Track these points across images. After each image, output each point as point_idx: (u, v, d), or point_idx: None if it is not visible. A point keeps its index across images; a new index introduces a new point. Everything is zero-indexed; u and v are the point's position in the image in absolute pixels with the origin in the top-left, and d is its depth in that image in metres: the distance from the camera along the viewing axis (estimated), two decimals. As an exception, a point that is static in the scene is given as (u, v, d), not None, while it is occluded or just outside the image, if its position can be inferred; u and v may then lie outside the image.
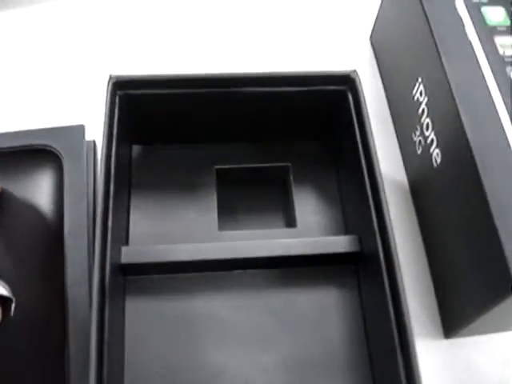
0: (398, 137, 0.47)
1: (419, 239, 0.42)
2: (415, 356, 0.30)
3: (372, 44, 0.52)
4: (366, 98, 0.37)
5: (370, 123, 0.36)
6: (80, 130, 0.41)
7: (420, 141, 0.41)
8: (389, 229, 0.33)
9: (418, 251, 0.42)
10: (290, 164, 0.41)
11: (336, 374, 0.35)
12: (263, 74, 0.38)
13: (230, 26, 0.52)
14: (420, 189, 0.43)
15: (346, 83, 0.38)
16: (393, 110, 0.48)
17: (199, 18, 0.53)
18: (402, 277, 0.32)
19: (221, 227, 0.39)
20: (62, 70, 0.49)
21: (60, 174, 0.39)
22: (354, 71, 0.37)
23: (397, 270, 0.32)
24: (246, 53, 0.51)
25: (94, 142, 0.43)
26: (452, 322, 0.38)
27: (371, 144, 0.35)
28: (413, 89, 0.42)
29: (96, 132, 0.43)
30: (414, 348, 0.30)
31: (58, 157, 0.40)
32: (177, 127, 0.41)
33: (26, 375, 0.33)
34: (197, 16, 0.53)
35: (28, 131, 0.41)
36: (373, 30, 0.52)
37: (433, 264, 0.41)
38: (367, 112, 0.37)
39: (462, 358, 0.39)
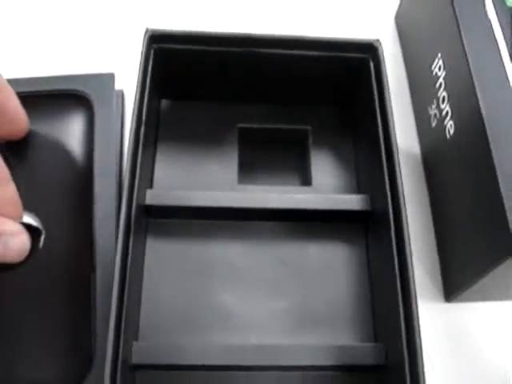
0: (414, 110, 0.49)
1: (427, 208, 0.44)
2: (417, 314, 0.32)
3: (396, 23, 0.54)
4: (387, 73, 0.39)
5: (389, 92, 0.38)
6: (110, 77, 0.43)
7: (435, 114, 0.43)
8: (399, 190, 0.35)
9: (426, 218, 0.44)
10: (309, 127, 0.43)
11: (339, 326, 0.37)
12: (288, 36, 0.40)
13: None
14: (432, 160, 0.45)
15: (369, 52, 0.40)
16: (411, 85, 0.50)
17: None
18: (409, 237, 0.34)
19: (240, 181, 0.41)
20: (98, 19, 0.52)
21: (90, 118, 0.41)
22: (378, 40, 0.39)
23: (405, 229, 0.34)
24: (275, 16, 0.53)
25: (122, 91, 0.45)
26: (453, 286, 0.40)
27: (389, 110, 0.37)
28: (432, 63, 0.44)
29: (125, 82, 0.45)
30: (415, 307, 0.32)
31: (88, 101, 0.42)
32: (205, 85, 0.43)
33: (56, 301, 0.36)
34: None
35: (60, 76, 0.43)
36: (398, 9, 0.53)
37: (439, 229, 0.43)
38: (387, 81, 0.38)
39: (459, 321, 0.41)
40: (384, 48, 0.40)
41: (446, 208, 0.42)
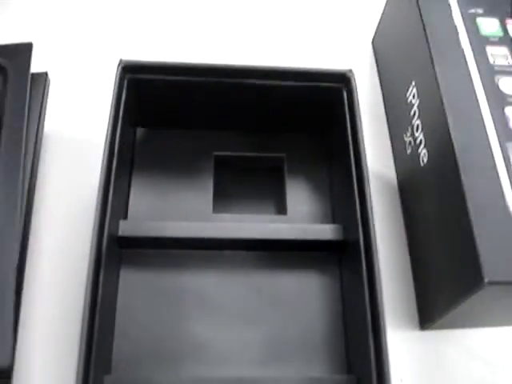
0: (391, 137, 0.49)
1: (403, 234, 0.44)
2: (385, 343, 0.32)
3: (373, 47, 0.54)
4: (364, 99, 0.40)
5: (361, 121, 0.38)
6: (28, 48, 0.42)
7: (410, 141, 0.43)
8: (370, 219, 0.35)
9: (401, 246, 0.44)
10: (284, 155, 0.44)
11: (313, 355, 0.37)
12: (264, 67, 0.40)
13: (236, 20, 0.55)
14: (407, 186, 0.45)
15: (342, 81, 0.40)
16: (388, 112, 0.50)
17: (207, 10, 0.55)
18: (379, 266, 0.34)
19: (215, 210, 0.41)
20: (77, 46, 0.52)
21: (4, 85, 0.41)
22: (350, 70, 0.40)
23: (375, 259, 0.34)
24: (251, 47, 0.53)
25: (46, 73, 0.44)
26: (427, 314, 0.40)
27: (360, 140, 0.37)
28: (407, 91, 0.44)
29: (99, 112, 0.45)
30: (384, 335, 0.32)
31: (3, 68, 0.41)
32: (180, 113, 0.43)
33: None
34: (205, 8, 0.55)
35: None
36: (375, 34, 0.54)
37: (413, 257, 0.43)
38: (359, 111, 0.39)
39: (434, 349, 0.40)
40: (361, 72, 0.40)
41: (421, 235, 0.42)
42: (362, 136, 0.37)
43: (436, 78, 0.39)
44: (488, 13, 0.43)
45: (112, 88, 0.38)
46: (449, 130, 0.36)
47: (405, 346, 0.40)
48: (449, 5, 0.42)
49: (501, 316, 0.40)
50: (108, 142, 0.36)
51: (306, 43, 0.54)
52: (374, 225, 0.35)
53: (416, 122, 0.42)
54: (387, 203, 0.45)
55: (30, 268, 0.41)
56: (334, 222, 0.41)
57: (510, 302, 0.36)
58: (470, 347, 0.41)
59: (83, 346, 0.31)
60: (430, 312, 0.40)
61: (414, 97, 0.43)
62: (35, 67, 0.43)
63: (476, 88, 0.38)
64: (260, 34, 0.54)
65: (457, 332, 0.41)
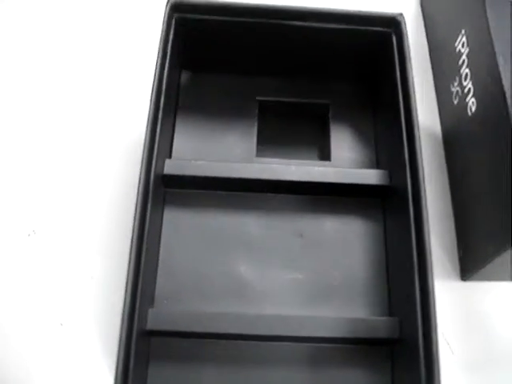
0: (436, 88, 0.48)
1: (447, 186, 0.44)
2: (432, 289, 0.32)
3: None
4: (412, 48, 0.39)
5: (411, 67, 0.38)
6: None
7: (457, 91, 0.43)
8: (420, 165, 0.35)
9: (445, 197, 0.44)
10: (329, 101, 0.43)
11: (355, 298, 0.38)
12: (310, 9, 0.39)
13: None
14: (453, 137, 0.44)
15: (392, 26, 0.39)
16: (434, 61, 0.49)
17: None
18: (427, 214, 0.34)
19: (258, 154, 0.41)
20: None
21: None
22: (401, 14, 0.39)
23: (423, 206, 0.34)
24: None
25: None
26: (468, 264, 0.40)
27: (411, 85, 0.37)
28: (455, 40, 0.43)
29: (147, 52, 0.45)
30: (431, 282, 0.32)
31: None
32: (225, 56, 0.43)
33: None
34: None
35: None
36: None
37: (457, 208, 0.43)
38: (410, 56, 0.38)
39: (472, 300, 0.40)
40: (407, 23, 0.39)
41: (465, 186, 0.42)
42: (413, 81, 0.37)
43: (488, 26, 0.38)
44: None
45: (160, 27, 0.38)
46: (500, 77, 0.36)
47: (446, 296, 0.40)
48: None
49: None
50: (156, 82, 0.36)
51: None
52: (423, 171, 0.34)
53: (465, 70, 0.41)
54: (431, 154, 0.45)
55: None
56: (378, 168, 0.41)
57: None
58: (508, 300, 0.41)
59: (130, 279, 0.32)
60: (471, 262, 0.40)
61: (463, 46, 0.42)
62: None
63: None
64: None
65: (498, 284, 0.41)
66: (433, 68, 0.49)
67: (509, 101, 0.35)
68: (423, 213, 0.33)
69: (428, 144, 0.46)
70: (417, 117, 0.36)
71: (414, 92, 0.37)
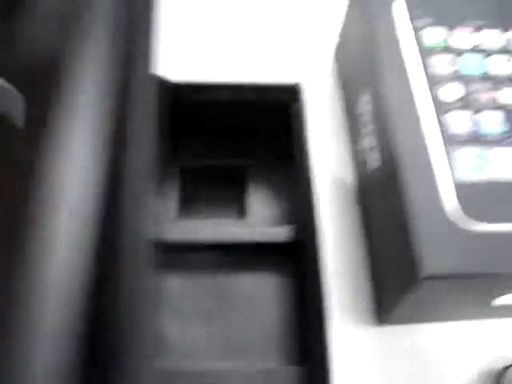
0: (350, 143, 0.52)
1: (361, 236, 0.47)
2: (327, 336, 0.35)
3: (336, 59, 0.57)
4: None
5: (307, 132, 0.42)
6: None
7: (363, 147, 0.46)
8: (315, 219, 0.38)
9: (359, 246, 0.47)
10: (248, 162, 0.47)
11: (268, 353, 0.40)
12: (225, 83, 0.44)
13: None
14: (362, 188, 0.48)
15: (292, 95, 0.43)
16: (348, 120, 0.53)
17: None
18: (321, 267, 0.37)
19: (179, 214, 0.45)
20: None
21: None
22: (298, 84, 0.43)
23: (318, 257, 0.37)
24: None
25: None
26: (382, 309, 0.43)
27: (306, 147, 0.41)
28: (361, 100, 0.47)
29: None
30: (326, 329, 0.35)
31: None
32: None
33: None
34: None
35: None
36: (336, 46, 0.56)
37: (369, 256, 0.46)
38: (306, 121, 0.42)
39: (391, 344, 0.43)
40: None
41: (373, 234, 0.45)
42: (307, 144, 0.41)
43: (382, 89, 0.41)
44: (433, 23, 0.45)
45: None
46: (393, 136, 0.39)
47: (362, 342, 0.43)
48: (392, 18, 0.44)
49: (446, 311, 0.42)
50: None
51: (276, 57, 0.56)
52: (318, 225, 0.38)
53: (370, 127, 0.45)
54: (346, 207, 0.48)
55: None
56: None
57: (450, 296, 0.39)
58: (416, 343, 0.43)
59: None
60: (383, 307, 0.43)
61: (367, 105, 0.45)
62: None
63: (415, 98, 0.41)
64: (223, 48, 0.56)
65: (415, 326, 0.44)
66: (348, 126, 0.53)
67: (399, 158, 0.39)
68: (318, 264, 0.37)
69: (344, 195, 0.49)
70: (313, 177, 0.39)
71: (308, 152, 0.40)
